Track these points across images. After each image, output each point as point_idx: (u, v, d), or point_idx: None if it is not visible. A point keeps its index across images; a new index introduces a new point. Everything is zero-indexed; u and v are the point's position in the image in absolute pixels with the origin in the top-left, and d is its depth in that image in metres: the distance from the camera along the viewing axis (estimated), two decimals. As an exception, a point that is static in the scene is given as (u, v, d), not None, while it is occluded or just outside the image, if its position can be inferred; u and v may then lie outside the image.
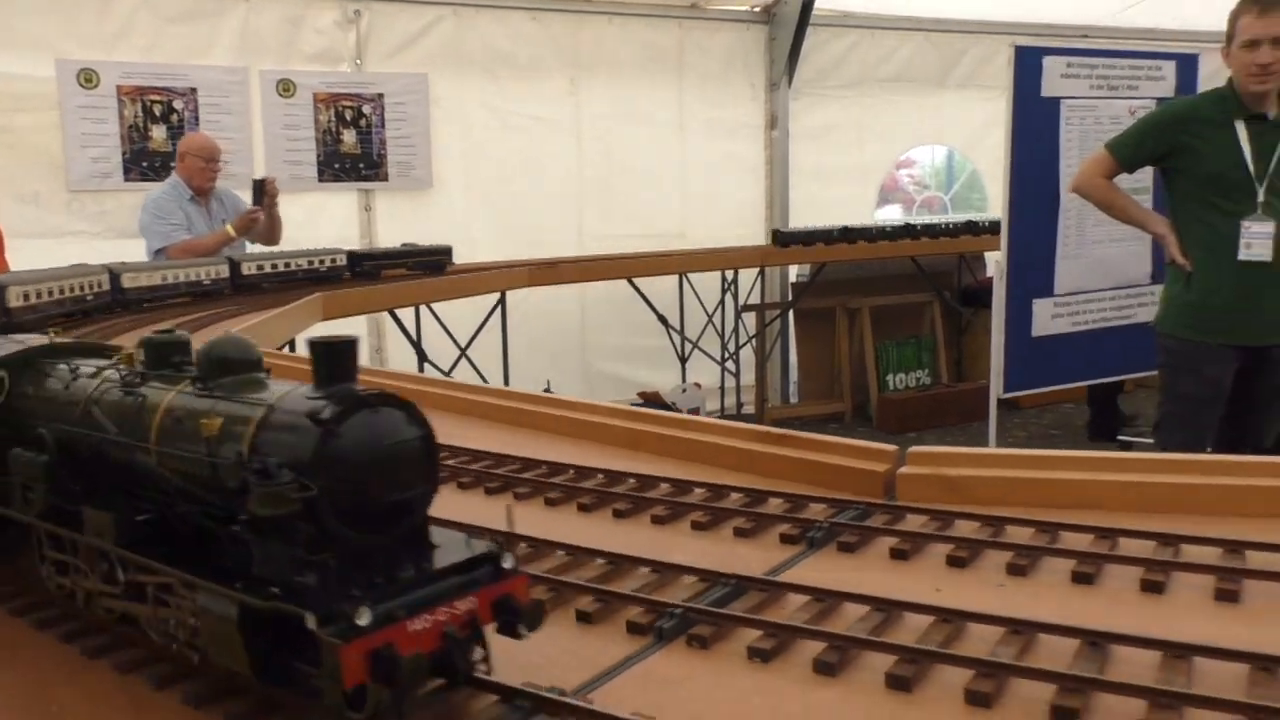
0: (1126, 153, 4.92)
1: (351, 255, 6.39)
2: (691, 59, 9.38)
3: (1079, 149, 6.28)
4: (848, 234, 8.71)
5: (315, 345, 1.65)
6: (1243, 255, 4.69)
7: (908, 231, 9.10)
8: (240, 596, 1.38)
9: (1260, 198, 4.73)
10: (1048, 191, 6.35)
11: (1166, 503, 1.87)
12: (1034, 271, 6.41)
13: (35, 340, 2.65)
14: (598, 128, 8.98)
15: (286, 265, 5.91)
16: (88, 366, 2.25)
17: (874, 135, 10.21)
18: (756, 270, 9.38)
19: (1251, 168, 4.69)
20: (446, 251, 6.89)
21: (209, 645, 1.49)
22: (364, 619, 1.21)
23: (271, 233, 6.49)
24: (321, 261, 6.12)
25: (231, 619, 1.38)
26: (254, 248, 6.46)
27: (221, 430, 1.63)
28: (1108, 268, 6.58)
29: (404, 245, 6.96)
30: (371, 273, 6.47)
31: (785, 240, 8.62)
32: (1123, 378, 7.39)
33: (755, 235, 9.68)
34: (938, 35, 10.23)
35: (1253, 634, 1.40)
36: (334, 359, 1.62)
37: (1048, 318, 6.48)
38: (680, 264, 8.69)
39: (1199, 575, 1.60)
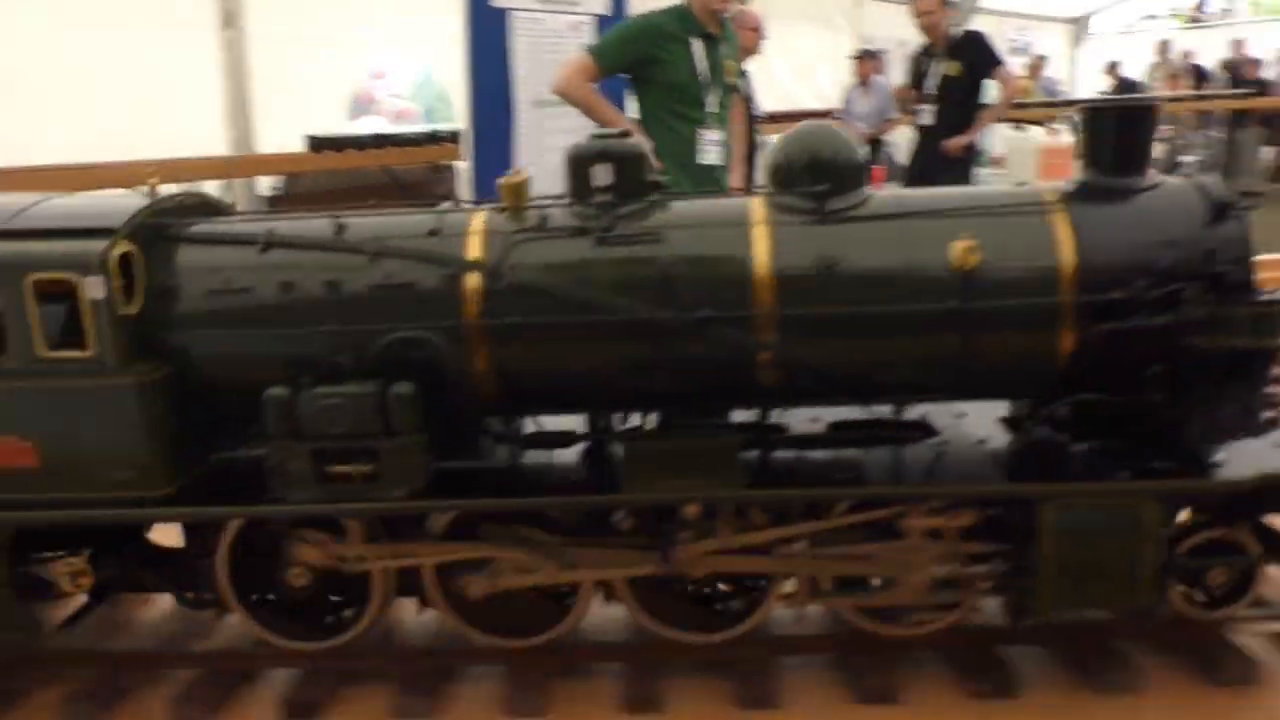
0: (607, 60, 5.33)
1: None
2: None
3: (528, 60, 6.64)
4: (380, 141, 8.78)
5: (1098, 112, 1.33)
6: (700, 159, 5.37)
7: (432, 138, 9.28)
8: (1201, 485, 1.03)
9: (711, 108, 5.38)
10: (504, 100, 6.65)
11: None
12: (497, 178, 6.71)
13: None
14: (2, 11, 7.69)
15: None
16: (399, 220, 1.46)
17: (343, 44, 9.92)
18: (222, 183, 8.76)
19: (704, 81, 5.31)
20: None
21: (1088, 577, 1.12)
22: None
23: None
24: None
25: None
26: None
27: (982, 257, 1.26)
28: (561, 174, 7.09)
29: None
30: None
31: (319, 145, 8.34)
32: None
33: (216, 144, 9.00)
34: (401, -59, 10.13)
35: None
36: (1133, 130, 1.30)
37: (511, 221, 6.85)
38: (141, 174, 7.85)
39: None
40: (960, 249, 1.28)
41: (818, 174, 1.43)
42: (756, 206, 1.49)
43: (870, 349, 1.38)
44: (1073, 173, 6.97)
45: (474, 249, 1.48)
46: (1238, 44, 19.10)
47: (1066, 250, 1.28)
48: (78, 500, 1.48)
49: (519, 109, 6.67)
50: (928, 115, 7.70)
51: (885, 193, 1.54)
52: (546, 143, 6.92)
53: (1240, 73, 17.91)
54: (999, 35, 18.76)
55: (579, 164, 1.67)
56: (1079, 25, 22.63)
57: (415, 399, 1.41)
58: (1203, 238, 1.29)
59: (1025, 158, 9.07)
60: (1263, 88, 17.42)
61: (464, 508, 1.57)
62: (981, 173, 9.37)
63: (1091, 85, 19.69)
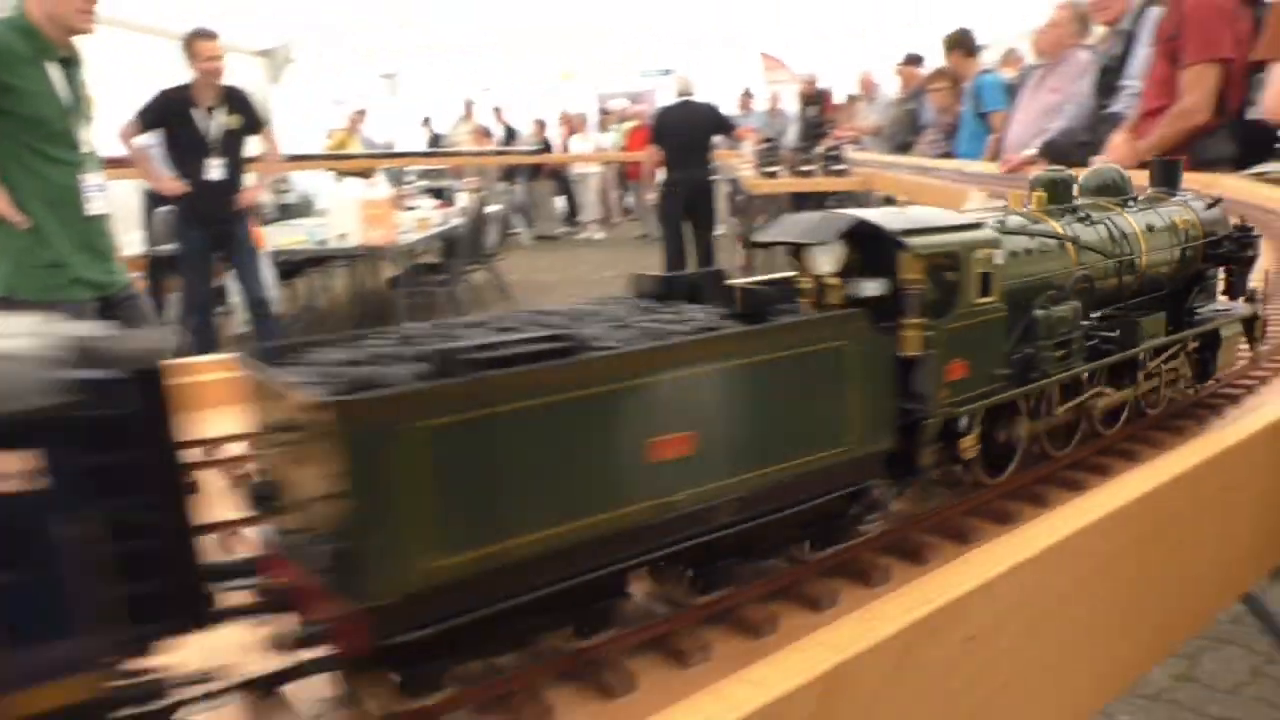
0: None
1: None
2: None
3: None
4: None
5: (1162, 161, 3.19)
6: (89, 210, 4.53)
7: None
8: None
9: (85, 147, 4.54)
10: None
11: None
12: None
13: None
14: None
15: None
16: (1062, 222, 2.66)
17: None
18: None
19: (70, 114, 4.45)
20: None
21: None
22: None
23: None
24: None
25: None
26: None
27: (1189, 228, 2.92)
28: None
29: None
30: None
31: None
32: None
33: None
34: None
35: None
36: (1168, 173, 3.13)
37: None
38: None
39: None
40: (1179, 220, 2.80)
41: (1114, 189, 2.89)
42: (1104, 204, 2.85)
43: (1164, 266, 2.81)
44: (394, 222, 7.22)
45: (1058, 229, 2.65)
46: (539, 125, 22.11)
47: (1196, 217, 2.87)
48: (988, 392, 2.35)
49: None
50: (218, 169, 7.39)
51: (1138, 196, 2.93)
52: None
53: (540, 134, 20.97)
54: (322, 87, 19.35)
55: (1057, 185, 2.77)
56: (393, 80, 24.29)
57: (1081, 311, 2.53)
58: (1214, 214, 2.99)
59: (347, 208, 9.36)
60: (548, 146, 20.42)
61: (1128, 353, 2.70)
62: (307, 223, 9.54)
63: (408, 138, 21.23)
